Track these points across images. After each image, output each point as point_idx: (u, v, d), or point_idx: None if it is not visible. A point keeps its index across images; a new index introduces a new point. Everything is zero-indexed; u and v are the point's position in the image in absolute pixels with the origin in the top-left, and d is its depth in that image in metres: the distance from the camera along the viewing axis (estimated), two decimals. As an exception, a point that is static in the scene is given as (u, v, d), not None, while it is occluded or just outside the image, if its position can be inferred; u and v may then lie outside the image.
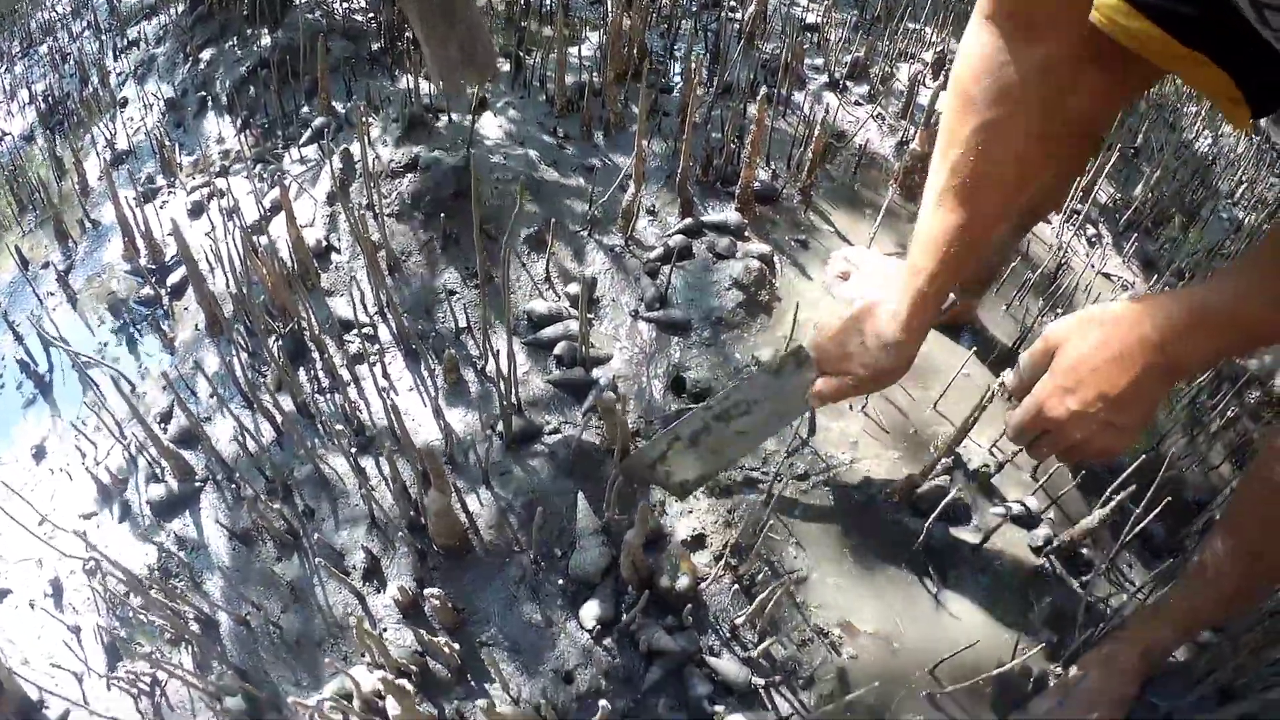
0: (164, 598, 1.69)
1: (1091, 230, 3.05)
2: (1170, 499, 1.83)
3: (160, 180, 2.92)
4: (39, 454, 2.17)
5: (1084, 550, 1.92)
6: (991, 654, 1.72)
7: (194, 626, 1.71)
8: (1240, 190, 3.97)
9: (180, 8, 3.76)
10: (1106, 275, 2.84)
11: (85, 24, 4.16)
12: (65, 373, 2.34)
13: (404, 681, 1.45)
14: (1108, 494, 1.82)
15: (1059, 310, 2.48)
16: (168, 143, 2.97)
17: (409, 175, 2.33)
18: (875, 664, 1.70)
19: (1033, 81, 1.36)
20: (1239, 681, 1.75)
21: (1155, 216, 3.27)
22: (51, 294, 2.58)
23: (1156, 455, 2.18)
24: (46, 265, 2.69)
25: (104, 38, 3.98)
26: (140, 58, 3.71)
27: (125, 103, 3.47)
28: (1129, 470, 1.80)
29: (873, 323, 1.60)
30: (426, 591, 1.62)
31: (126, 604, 1.76)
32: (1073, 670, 1.70)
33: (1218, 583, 1.64)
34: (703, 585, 1.73)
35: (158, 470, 1.98)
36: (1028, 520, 1.96)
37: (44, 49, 4.05)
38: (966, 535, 1.90)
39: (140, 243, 2.53)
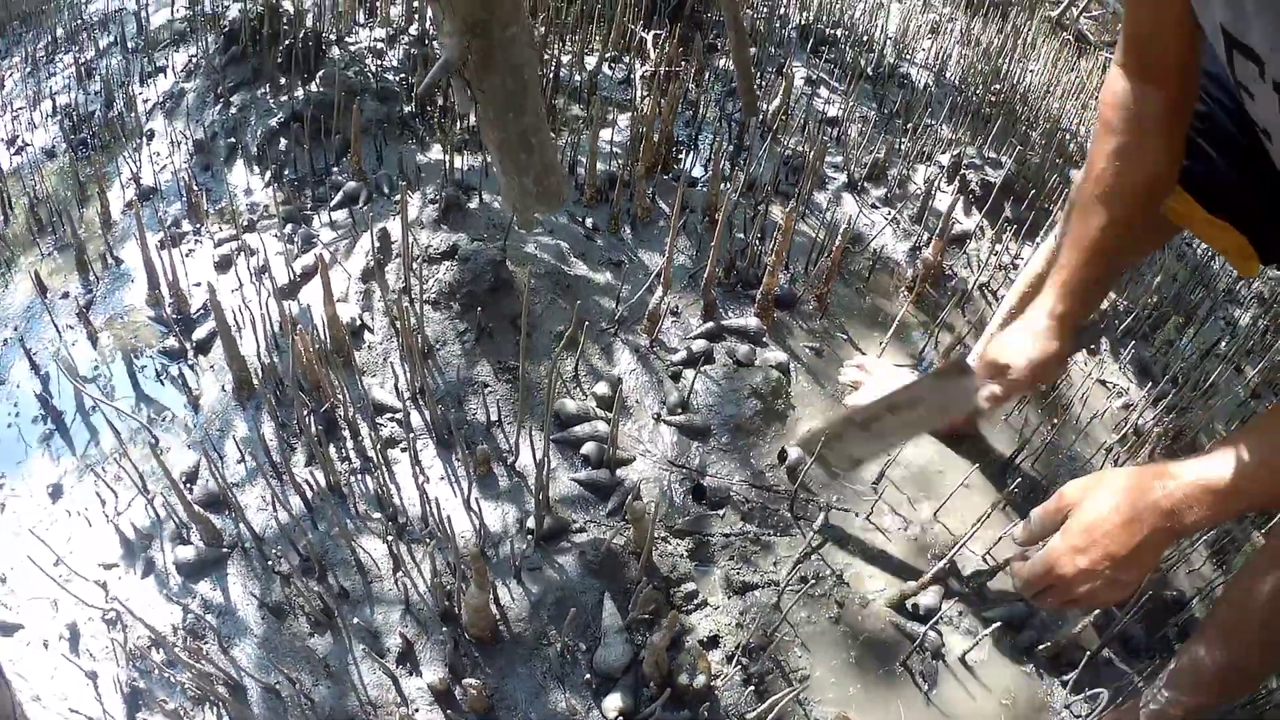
0: (190, 657, 1.71)
1: (1091, 338, 3.15)
2: (1150, 603, 1.95)
3: (186, 225, 2.91)
4: (56, 493, 2.14)
5: (1068, 653, 2.03)
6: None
7: (221, 689, 1.73)
8: (1239, 286, 4.05)
9: (211, 40, 3.74)
10: (1103, 383, 2.93)
11: (112, 39, 4.09)
12: (84, 411, 2.32)
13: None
14: None
15: (1055, 421, 2.58)
16: (195, 187, 2.96)
17: (447, 263, 2.39)
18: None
19: (1160, 117, 1.60)
20: None
21: (1153, 321, 3.36)
22: (70, 327, 2.54)
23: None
24: (66, 295, 2.66)
25: (130, 58, 3.93)
26: (169, 89, 3.68)
27: (152, 135, 3.45)
28: None
29: (1025, 321, 1.84)
30: (465, 682, 1.70)
31: (148, 658, 1.78)
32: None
33: (1194, 690, 1.73)
34: (716, 683, 1.82)
35: (184, 531, 2.00)
36: (1016, 624, 2.08)
37: (69, 58, 3.99)
38: (959, 639, 2.03)
39: (165, 290, 2.53)
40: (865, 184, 3.35)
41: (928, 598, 2.05)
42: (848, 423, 2.15)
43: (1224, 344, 3.45)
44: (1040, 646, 2.03)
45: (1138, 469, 1.37)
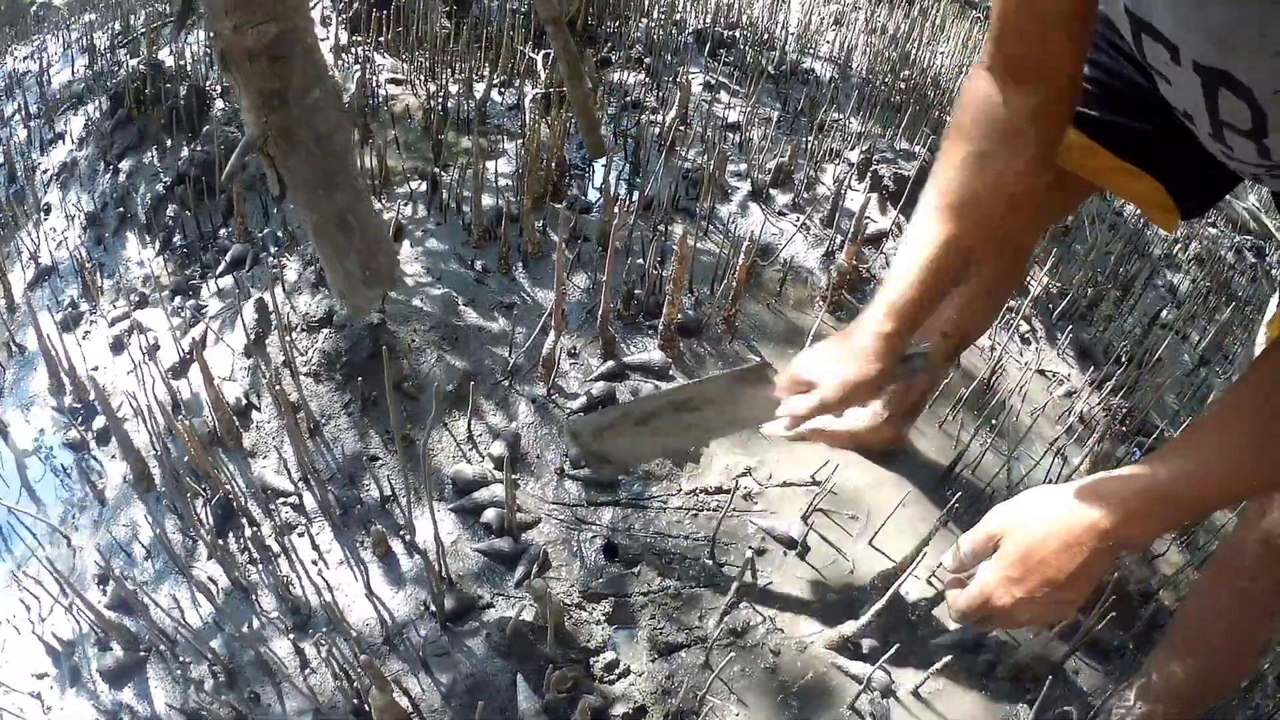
0: None
1: (1025, 326, 3.07)
2: (1115, 599, 1.85)
3: (83, 305, 2.85)
4: None
5: (1030, 667, 1.93)
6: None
7: None
8: (1175, 250, 4.01)
9: (102, 103, 3.72)
10: (1042, 372, 2.85)
11: (17, 106, 4.10)
12: (2, 514, 2.26)
13: None
14: None
15: (994, 422, 2.49)
16: (89, 264, 2.91)
17: (325, 330, 2.29)
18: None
19: (1023, 122, 1.42)
20: None
21: (1090, 299, 3.29)
22: None
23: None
24: None
25: (32, 125, 3.92)
26: (64, 158, 3.66)
27: (49, 210, 3.42)
28: None
29: (844, 336, 1.64)
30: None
31: None
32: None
33: (1168, 700, 1.70)
34: (647, 761, 1.71)
35: (100, 636, 1.92)
36: (972, 647, 1.97)
37: (-30, 132, 3.99)
38: (909, 672, 1.90)
39: (65, 379, 2.47)
40: (771, 190, 3.25)
41: (870, 635, 1.92)
42: (624, 417, 1.90)
43: (1166, 312, 3.39)
44: (999, 668, 1.92)
45: (1070, 486, 1.27)
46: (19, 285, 3.02)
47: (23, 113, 3.99)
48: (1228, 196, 4.84)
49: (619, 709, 1.78)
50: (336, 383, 2.27)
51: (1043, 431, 2.61)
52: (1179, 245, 4.22)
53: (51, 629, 1.95)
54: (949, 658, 1.87)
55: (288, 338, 2.26)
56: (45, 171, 3.64)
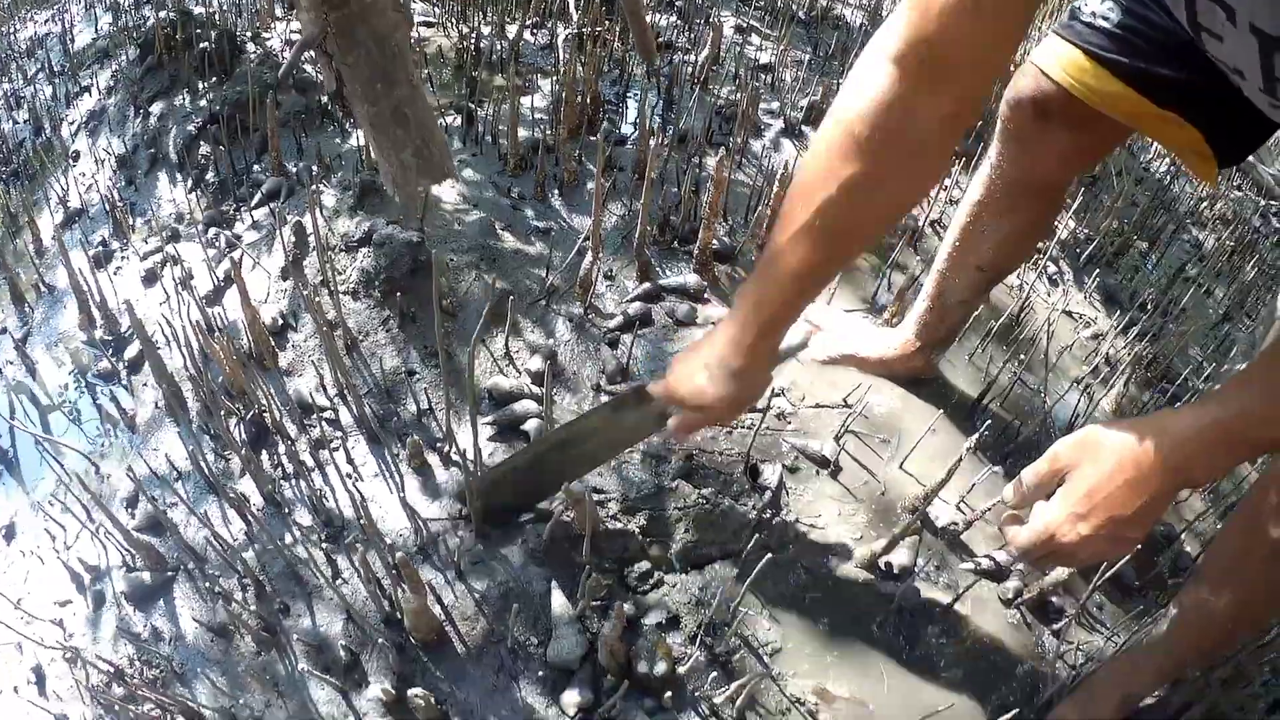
0: (146, 690, 1.67)
1: (1053, 268, 3.06)
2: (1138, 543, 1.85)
3: (114, 243, 2.87)
4: (9, 534, 2.13)
5: (1054, 599, 1.94)
6: (968, 711, 1.75)
7: (180, 719, 1.69)
8: (1201, 207, 3.98)
9: (130, 54, 3.71)
10: (1069, 314, 2.85)
11: (39, 65, 4.10)
12: (30, 447, 2.29)
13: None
14: None
15: (1022, 357, 2.49)
16: (119, 203, 2.93)
17: (363, 250, 2.29)
18: (853, 729, 1.70)
19: (932, 136, 1.31)
20: (1215, 713, 1.78)
21: (1117, 247, 3.28)
22: (10, 363, 2.54)
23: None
24: (3, 331, 2.66)
25: (57, 81, 3.92)
26: (92, 107, 3.66)
27: (77, 156, 3.43)
28: None
29: (716, 353, 1.56)
30: (410, 692, 1.61)
31: (110, 694, 1.73)
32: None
33: (1201, 633, 1.67)
34: (680, 668, 1.72)
35: (128, 559, 1.94)
36: (997, 573, 1.98)
37: (-1, 90, 4.00)
38: (938, 594, 1.91)
39: (96, 312, 2.49)
40: (803, 127, 3.24)
41: (900, 555, 1.93)
42: (510, 470, 1.89)
43: (1191, 267, 3.38)
44: (1024, 595, 1.92)
45: (1136, 423, 1.25)
46: (48, 230, 3.04)
47: (47, 71, 4.00)
48: (1255, 162, 4.84)
49: (652, 618, 1.79)
50: (375, 300, 2.27)
51: (1069, 370, 2.61)
52: (1205, 204, 4.20)
53: (78, 555, 1.98)
54: (976, 580, 1.89)
55: (326, 258, 2.27)
56: (72, 123, 3.65)
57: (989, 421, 2.18)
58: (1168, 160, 4.27)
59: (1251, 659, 1.89)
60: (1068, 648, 1.87)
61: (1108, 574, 1.87)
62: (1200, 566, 1.83)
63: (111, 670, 1.69)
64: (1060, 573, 1.88)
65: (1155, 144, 4.26)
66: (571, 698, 1.67)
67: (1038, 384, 2.45)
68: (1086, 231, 3.31)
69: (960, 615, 1.88)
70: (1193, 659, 1.73)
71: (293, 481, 2.02)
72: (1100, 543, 1.27)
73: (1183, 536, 2.17)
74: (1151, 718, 1.78)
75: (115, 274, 2.75)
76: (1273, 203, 4.75)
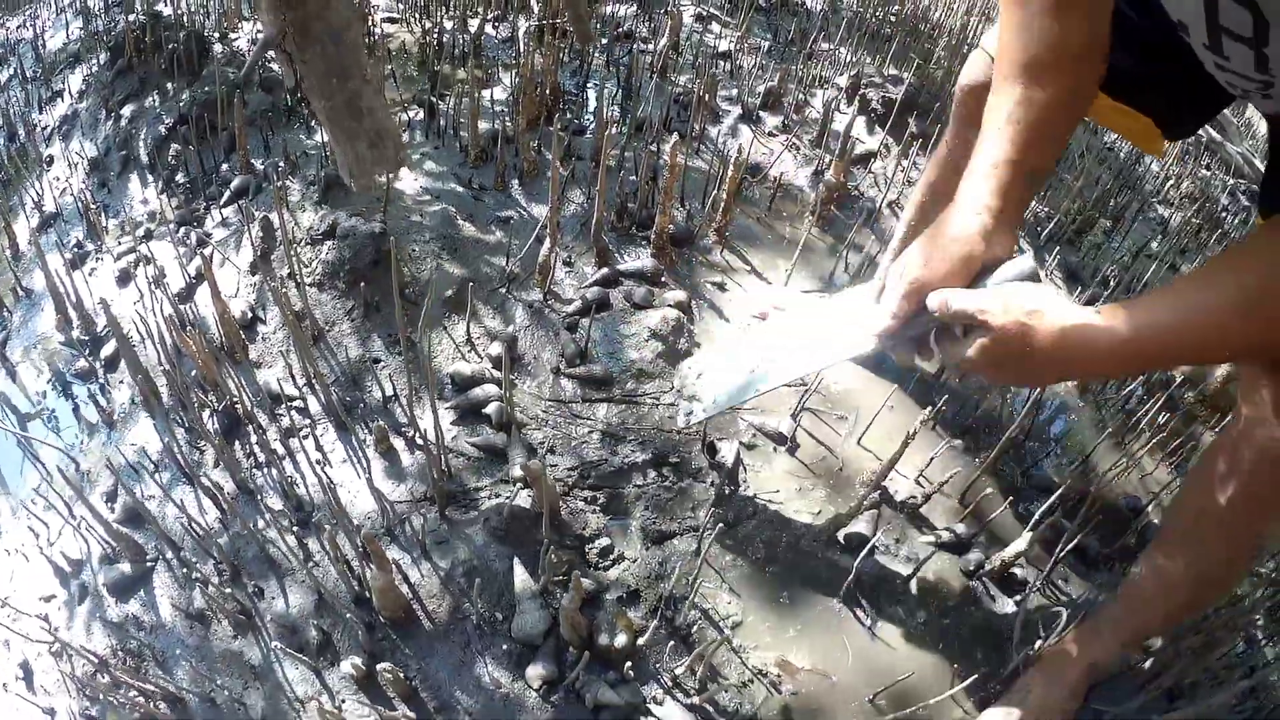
0: (129, 678, 1.71)
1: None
2: (1101, 516, 1.91)
3: (89, 245, 2.90)
4: None
5: (1017, 570, 1.98)
6: (930, 680, 1.79)
7: (162, 705, 1.74)
8: (1166, 187, 4.02)
9: (102, 58, 3.73)
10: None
11: (12, 71, 4.10)
12: (12, 449, 2.32)
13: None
14: (1037, 517, 1.88)
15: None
16: (93, 206, 2.95)
17: (328, 242, 2.34)
18: (815, 699, 1.75)
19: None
20: (1186, 682, 1.82)
21: (1079, 225, 3.32)
22: None
23: (1086, 468, 2.25)
24: None
25: (29, 87, 3.94)
26: (64, 112, 3.68)
27: (51, 160, 3.45)
28: (1058, 493, 1.86)
29: (949, 227, 1.43)
30: (379, 666, 1.66)
31: (96, 684, 1.77)
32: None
33: (1162, 598, 1.69)
34: (640, 640, 1.77)
35: (109, 550, 1.99)
36: (958, 546, 2.02)
37: (-31, 100, 4.00)
38: (898, 566, 1.95)
39: (72, 313, 2.53)
40: (761, 113, 3.30)
41: (860, 527, 1.96)
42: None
43: (1155, 244, 3.42)
44: (986, 568, 1.97)
45: (1060, 304, 1.27)
46: (24, 235, 3.06)
47: (19, 77, 4.00)
48: (1223, 141, 4.88)
49: (613, 593, 1.84)
50: (339, 290, 2.32)
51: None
52: (1171, 183, 4.24)
53: (60, 550, 2.02)
54: (935, 550, 1.94)
55: (292, 252, 2.31)
56: (45, 128, 3.67)
57: (945, 397, 2.22)
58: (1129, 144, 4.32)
59: (1225, 626, 1.93)
60: (1032, 618, 1.90)
61: (1069, 546, 1.91)
62: (1158, 533, 1.84)
63: (96, 660, 1.73)
64: (1020, 543, 1.91)
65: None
66: (536, 671, 1.72)
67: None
68: (1047, 210, 3.35)
69: (922, 587, 1.93)
70: (1156, 625, 1.76)
71: (265, 470, 2.07)
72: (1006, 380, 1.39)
73: (1149, 509, 2.20)
74: (1121, 688, 1.81)
75: (90, 275, 2.77)
76: (1240, 181, 4.80)
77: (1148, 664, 1.84)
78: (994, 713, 1.72)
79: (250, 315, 2.38)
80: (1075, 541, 1.92)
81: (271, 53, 2.29)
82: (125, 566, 1.96)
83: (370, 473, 1.97)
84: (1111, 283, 3.01)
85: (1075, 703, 1.73)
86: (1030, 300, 1.28)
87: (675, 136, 2.27)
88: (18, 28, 4.53)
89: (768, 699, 1.73)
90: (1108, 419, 2.50)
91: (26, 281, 2.84)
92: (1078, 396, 2.56)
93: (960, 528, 2.03)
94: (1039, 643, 1.82)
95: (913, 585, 1.93)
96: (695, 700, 1.71)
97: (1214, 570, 1.64)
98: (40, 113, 3.78)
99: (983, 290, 1.35)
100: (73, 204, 3.12)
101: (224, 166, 3.05)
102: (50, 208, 3.16)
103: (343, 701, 1.73)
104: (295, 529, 1.93)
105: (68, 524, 2.03)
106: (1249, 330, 1.20)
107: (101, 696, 1.77)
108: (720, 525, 1.92)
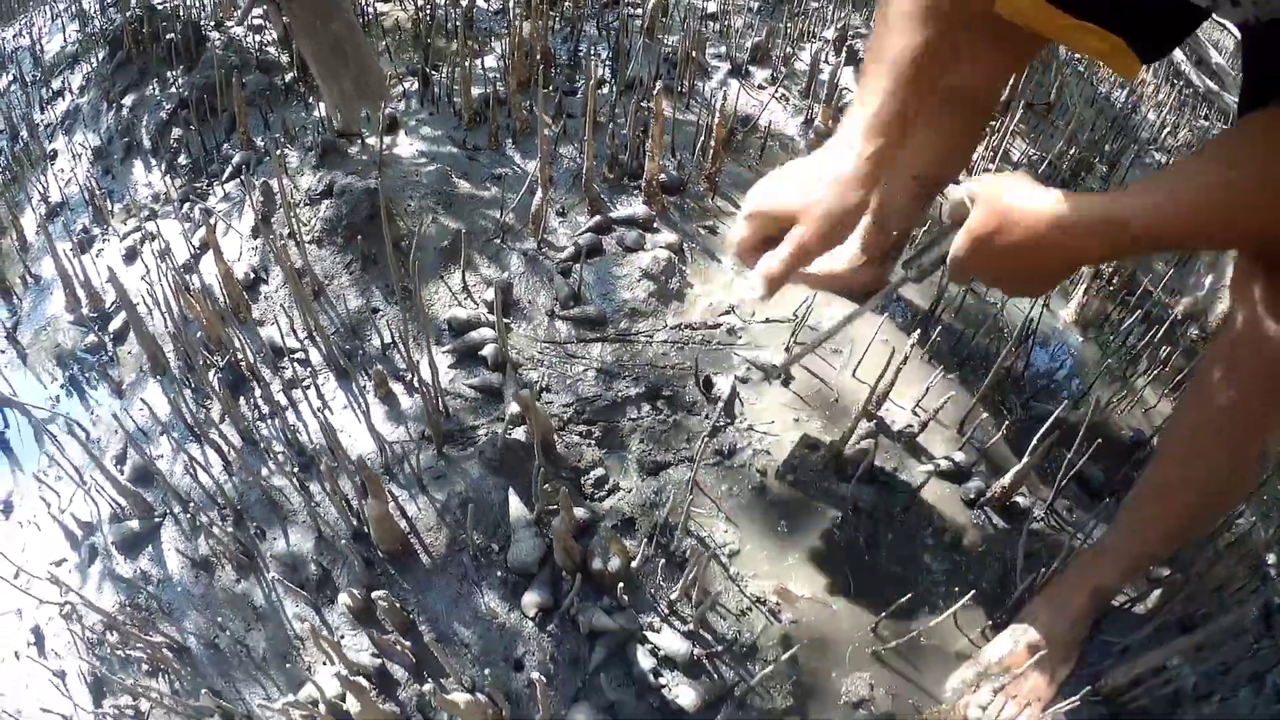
0: (138, 631, 1.75)
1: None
2: (1101, 441, 1.89)
3: (95, 230, 2.94)
4: (7, 509, 2.21)
5: (1019, 499, 1.97)
6: (932, 610, 1.80)
7: (168, 655, 1.77)
8: (1163, 134, 4.02)
9: (101, 55, 3.80)
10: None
11: (11, 78, 4.17)
12: (24, 429, 2.38)
13: (361, 680, 1.53)
14: (1035, 441, 1.85)
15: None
16: (98, 192, 3.00)
17: (325, 201, 2.39)
18: (815, 626, 1.76)
19: None
20: (1196, 611, 1.80)
21: (1074, 168, 3.33)
22: (1, 351, 2.62)
23: (1084, 398, 2.26)
24: None
25: (30, 90, 4.00)
26: (66, 108, 3.74)
27: (55, 154, 3.50)
28: (1053, 416, 1.85)
29: (821, 162, 1.47)
30: (374, 595, 1.68)
31: (105, 642, 1.82)
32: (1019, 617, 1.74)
33: (1164, 515, 1.68)
34: (635, 565, 1.79)
35: (118, 510, 2.03)
36: (957, 475, 2.01)
37: (-27, 109, 4.07)
38: (896, 494, 1.95)
39: (81, 293, 2.58)
40: (750, 68, 3.32)
41: (856, 456, 1.95)
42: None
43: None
44: (987, 495, 1.96)
45: (1047, 191, 1.32)
46: (31, 226, 3.13)
47: (19, 81, 4.07)
48: (1221, 91, 4.88)
49: (608, 522, 1.87)
50: (338, 245, 2.36)
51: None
52: (1168, 130, 4.24)
53: (72, 514, 2.06)
54: (932, 474, 1.94)
55: (292, 213, 2.36)
56: (48, 126, 3.73)
57: (940, 330, 2.24)
58: (1125, 91, 4.32)
59: (1233, 554, 1.93)
60: (1035, 547, 1.89)
61: (1070, 474, 1.91)
62: (1156, 449, 1.84)
63: (106, 617, 1.76)
64: (1020, 469, 1.89)
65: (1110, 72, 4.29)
66: (531, 599, 1.74)
67: (989, 294, 2.51)
68: (1039, 153, 3.37)
69: (922, 515, 1.93)
70: (1159, 545, 1.74)
71: (269, 420, 2.11)
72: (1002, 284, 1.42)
73: (1153, 441, 2.18)
74: (1131, 620, 1.81)
75: (98, 256, 2.82)
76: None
77: (1156, 594, 1.83)
78: (999, 641, 1.72)
79: (253, 276, 2.43)
80: (1077, 469, 1.91)
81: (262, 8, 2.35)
82: (134, 524, 2.00)
83: (370, 418, 1.99)
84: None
85: (1082, 630, 1.72)
86: (1014, 180, 1.35)
87: (660, 84, 2.29)
88: (14, 36, 4.59)
89: (767, 627, 1.74)
90: (1107, 353, 2.50)
91: (35, 268, 2.89)
92: (1078, 332, 2.57)
93: (959, 456, 2.02)
94: (1043, 570, 1.81)
95: (912, 514, 1.93)
96: (691, 627, 1.72)
97: (1215, 483, 1.61)
98: (42, 112, 3.84)
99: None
100: (78, 193, 3.17)
101: (225, 145, 3.10)
102: (56, 198, 3.21)
103: (341, 636, 1.76)
104: (297, 473, 1.95)
105: (79, 489, 2.07)
106: (1254, 205, 1.24)
107: (110, 653, 1.82)
108: (717, 456, 1.94)
